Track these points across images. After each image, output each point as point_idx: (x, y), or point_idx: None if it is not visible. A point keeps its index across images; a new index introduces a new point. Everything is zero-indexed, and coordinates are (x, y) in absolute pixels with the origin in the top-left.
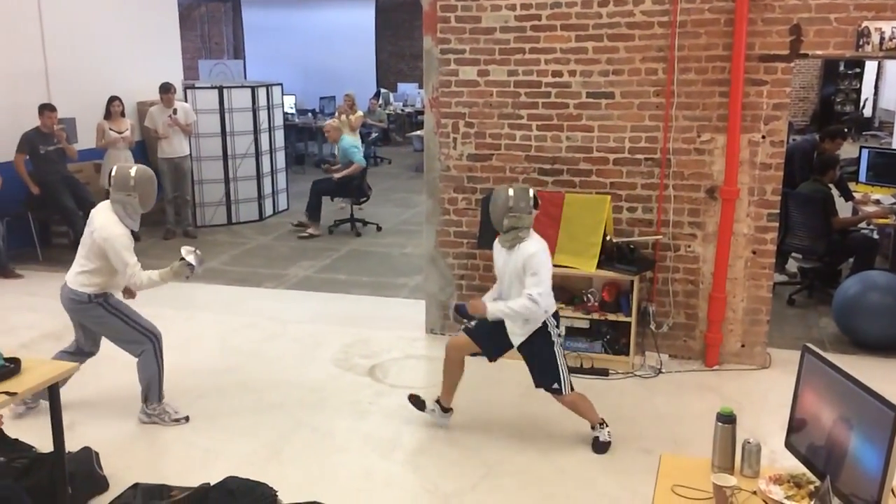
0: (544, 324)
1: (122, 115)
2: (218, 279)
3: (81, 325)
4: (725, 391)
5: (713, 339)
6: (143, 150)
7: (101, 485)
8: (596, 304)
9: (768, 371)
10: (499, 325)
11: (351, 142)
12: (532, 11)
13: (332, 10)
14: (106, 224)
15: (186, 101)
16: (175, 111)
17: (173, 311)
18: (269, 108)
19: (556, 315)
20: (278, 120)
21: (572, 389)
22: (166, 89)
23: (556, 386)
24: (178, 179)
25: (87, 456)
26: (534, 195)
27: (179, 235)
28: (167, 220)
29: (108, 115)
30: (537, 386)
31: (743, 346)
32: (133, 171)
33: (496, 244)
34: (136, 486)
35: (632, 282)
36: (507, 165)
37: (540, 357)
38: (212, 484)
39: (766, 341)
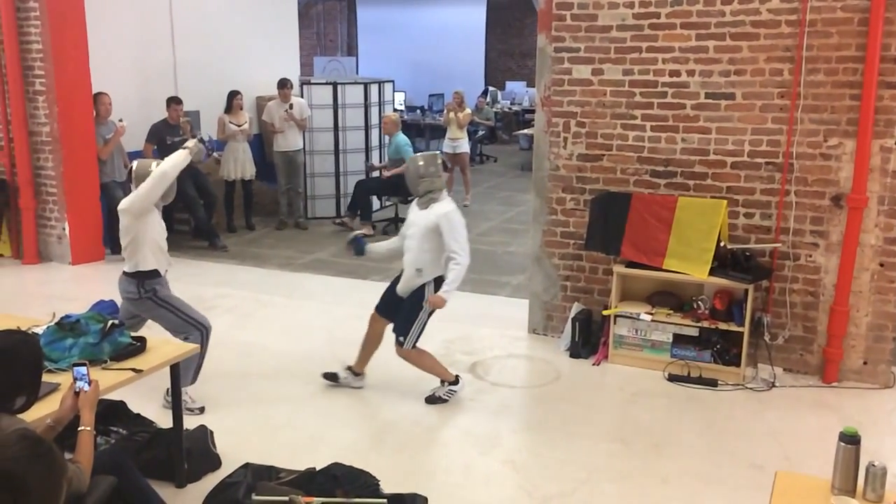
0: (422, 286)
1: (241, 108)
2: (326, 270)
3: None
4: (845, 410)
5: (833, 355)
6: (260, 143)
7: (215, 462)
8: (706, 311)
9: (892, 391)
10: (395, 293)
11: (405, 140)
12: (651, 9)
13: (443, 7)
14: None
15: (302, 96)
16: (291, 106)
17: (283, 299)
18: (380, 105)
19: (438, 280)
20: None
21: (413, 348)
22: (283, 84)
23: (401, 339)
24: (292, 172)
25: (203, 434)
26: (442, 160)
27: (291, 227)
28: (280, 211)
29: (228, 108)
30: (394, 331)
31: (865, 363)
32: (154, 166)
33: (413, 206)
34: (246, 465)
35: (746, 290)
36: (619, 166)
37: (406, 308)
38: (317, 469)
39: (891, 359)
